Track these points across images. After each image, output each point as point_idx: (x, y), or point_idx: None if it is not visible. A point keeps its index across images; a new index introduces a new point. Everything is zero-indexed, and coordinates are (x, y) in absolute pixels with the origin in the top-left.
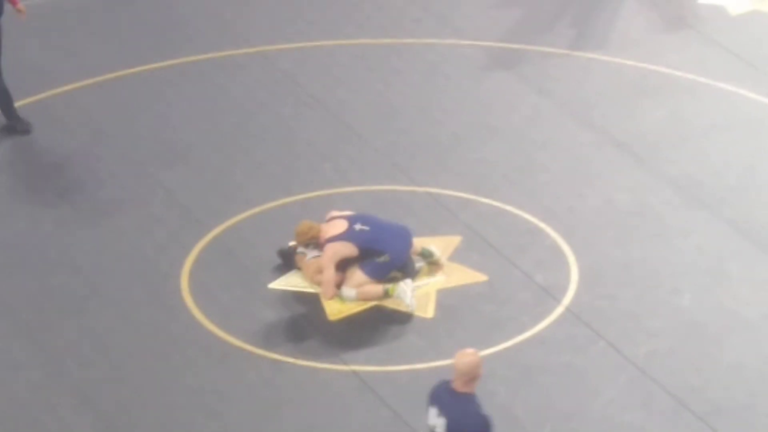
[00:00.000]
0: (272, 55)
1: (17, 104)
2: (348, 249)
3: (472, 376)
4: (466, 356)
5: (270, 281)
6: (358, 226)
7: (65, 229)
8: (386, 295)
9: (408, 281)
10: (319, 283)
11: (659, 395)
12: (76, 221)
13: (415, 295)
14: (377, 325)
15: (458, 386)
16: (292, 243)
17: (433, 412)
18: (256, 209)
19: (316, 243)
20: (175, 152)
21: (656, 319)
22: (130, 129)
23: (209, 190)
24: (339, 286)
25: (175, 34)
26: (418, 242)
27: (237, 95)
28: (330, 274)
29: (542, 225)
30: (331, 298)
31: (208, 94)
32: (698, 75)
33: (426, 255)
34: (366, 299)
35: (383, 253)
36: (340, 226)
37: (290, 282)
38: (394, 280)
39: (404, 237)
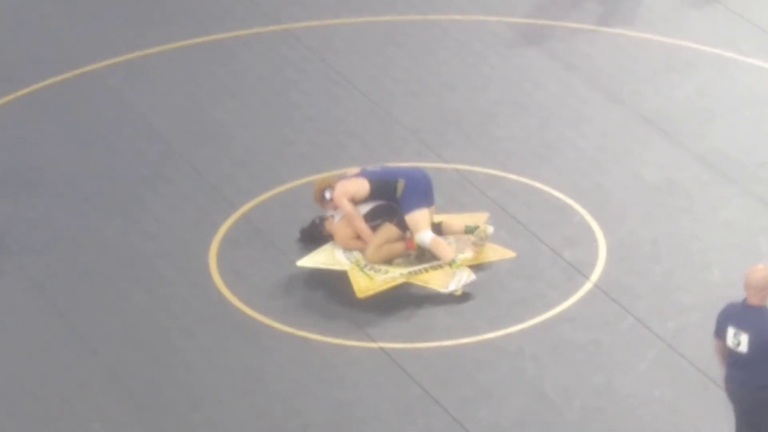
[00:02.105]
0: (299, 33)
1: (44, 84)
2: (358, 184)
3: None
4: (758, 272)
5: (298, 259)
6: (369, 167)
7: (94, 208)
8: (451, 263)
9: (472, 273)
10: (350, 242)
11: (688, 371)
12: (104, 200)
13: (455, 280)
14: (405, 302)
15: (755, 301)
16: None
17: (731, 332)
18: (284, 187)
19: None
20: (203, 130)
21: (685, 295)
22: (158, 108)
23: (237, 168)
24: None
25: (202, 12)
26: (450, 219)
27: (264, 73)
28: (348, 207)
29: (570, 201)
30: (361, 229)
31: (235, 73)
32: (726, 50)
33: (470, 230)
34: (436, 252)
35: (396, 180)
36: (353, 171)
37: (318, 260)
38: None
39: (419, 170)
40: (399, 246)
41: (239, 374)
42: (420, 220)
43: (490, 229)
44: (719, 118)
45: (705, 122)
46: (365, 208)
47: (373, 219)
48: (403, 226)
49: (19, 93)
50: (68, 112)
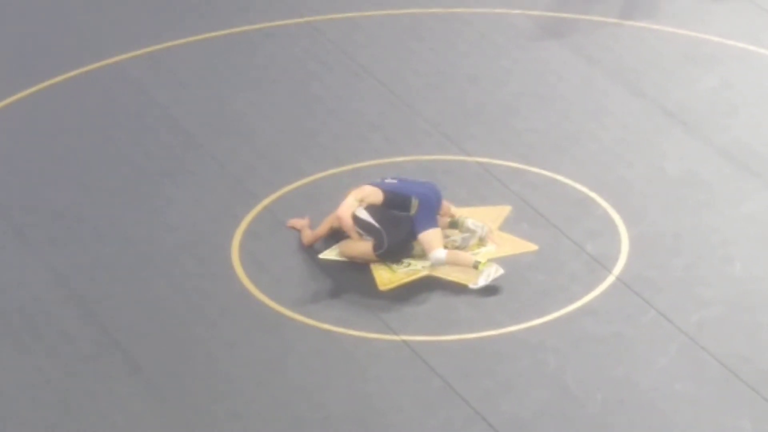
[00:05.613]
0: (322, 25)
1: (67, 76)
2: (373, 190)
3: None
4: None
5: (320, 251)
6: (386, 180)
7: (116, 200)
8: (474, 266)
9: (499, 268)
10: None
11: (710, 364)
12: (126, 192)
13: (483, 276)
14: (427, 295)
15: None
16: None
17: None
18: (307, 179)
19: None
20: (226, 123)
21: (707, 288)
22: (180, 100)
23: (260, 160)
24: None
25: (224, 4)
26: (465, 212)
27: (287, 65)
28: (349, 198)
29: (592, 194)
30: (343, 216)
31: (257, 65)
32: (749, 43)
33: (454, 225)
34: (456, 263)
35: (409, 197)
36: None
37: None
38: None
39: (431, 187)
40: (466, 257)
41: (261, 366)
42: (434, 238)
43: (470, 221)
44: (742, 111)
45: (727, 115)
46: (364, 214)
47: (361, 229)
48: (384, 259)
49: (42, 84)
50: (90, 103)
